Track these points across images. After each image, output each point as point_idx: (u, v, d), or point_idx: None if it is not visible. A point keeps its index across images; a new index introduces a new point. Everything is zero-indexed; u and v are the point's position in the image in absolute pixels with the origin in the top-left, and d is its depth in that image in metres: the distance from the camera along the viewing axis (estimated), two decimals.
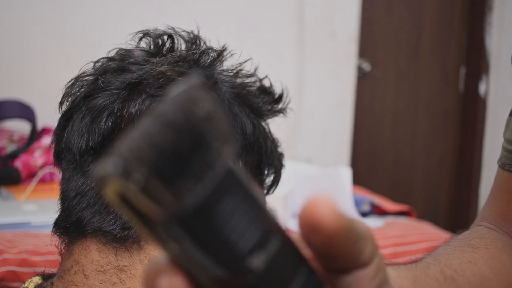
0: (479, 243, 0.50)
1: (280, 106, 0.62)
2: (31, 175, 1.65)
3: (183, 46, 0.59)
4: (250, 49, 0.66)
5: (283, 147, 0.65)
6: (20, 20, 2.04)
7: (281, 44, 2.51)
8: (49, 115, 0.68)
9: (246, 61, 0.62)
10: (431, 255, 0.43)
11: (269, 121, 0.63)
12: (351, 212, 1.61)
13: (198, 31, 0.60)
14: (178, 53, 0.58)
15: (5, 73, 2.03)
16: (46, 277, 0.59)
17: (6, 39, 2.03)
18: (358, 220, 0.27)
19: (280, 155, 0.63)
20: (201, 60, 0.58)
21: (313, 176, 1.70)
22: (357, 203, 1.73)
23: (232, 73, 0.60)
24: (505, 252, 0.51)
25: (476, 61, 3.00)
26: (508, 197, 0.57)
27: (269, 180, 0.62)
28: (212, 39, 0.61)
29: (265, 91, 0.61)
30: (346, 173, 1.65)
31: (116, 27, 1.93)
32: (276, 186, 0.63)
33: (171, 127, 0.21)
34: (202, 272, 0.23)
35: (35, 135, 1.76)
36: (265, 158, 0.60)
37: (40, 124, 1.83)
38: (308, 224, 0.24)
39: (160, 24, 0.61)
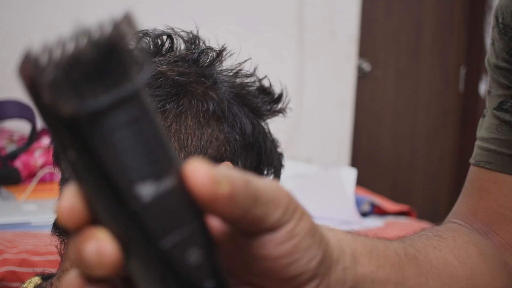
0: (447, 234, 0.50)
1: (279, 106, 0.62)
2: (31, 175, 1.65)
3: (182, 46, 0.59)
4: (250, 49, 0.66)
5: (283, 147, 0.65)
6: (20, 20, 2.04)
7: (281, 44, 2.51)
8: None
9: (245, 61, 0.62)
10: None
11: (268, 121, 0.62)
12: (352, 212, 1.61)
13: (198, 31, 0.60)
14: (177, 53, 0.58)
15: (5, 73, 2.03)
16: (45, 277, 0.59)
17: (6, 39, 2.03)
18: (264, 185, 0.27)
19: (280, 155, 0.63)
20: (200, 60, 0.58)
21: (312, 177, 1.69)
22: (358, 203, 1.73)
23: (231, 73, 0.60)
24: (472, 245, 0.51)
25: (476, 61, 3.00)
26: (479, 194, 0.58)
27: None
28: (211, 39, 0.60)
29: (265, 91, 0.61)
30: (349, 174, 1.65)
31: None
32: None
33: (92, 41, 0.23)
34: (93, 189, 0.23)
35: (35, 135, 1.76)
36: (264, 158, 0.60)
37: (40, 124, 1.83)
38: (190, 191, 0.25)
39: (159, 24, 0.61)
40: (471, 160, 0.61)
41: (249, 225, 0.27)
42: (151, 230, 0.24)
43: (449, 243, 0.48)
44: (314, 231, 0.30)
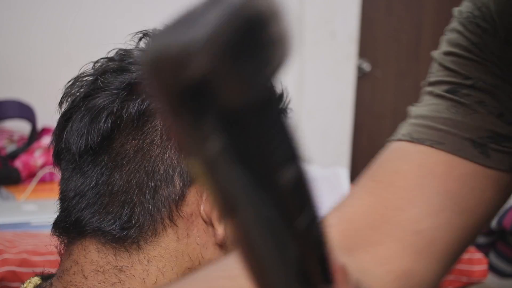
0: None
1: (284, 105, 0.63)
2: (31, 175, 1.66)
3: None
4: None
5: None
6: (20, 20, 2.04)
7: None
8: (49, 115, 0.68)
9: None
10: None
11: None
12: None
13: None
14: None
15: (5, 73, 2.03)
16: (45, 277, 0.59)
17: (6, 39, 2.03)
18: None
19: None
20: None
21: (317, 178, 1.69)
22: None
23: None
24: None
25: None
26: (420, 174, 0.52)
27: None
28: None
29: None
30: (343, 175, 1.65)
31: (116, 26, 1.93)
32: None
33: (242, 17, 0.20)
34: (232, 180, 0.22)
35: (35, 135, 1.76)
36: None
37: (40, 124, 1.83)
38: None
39: (159, 24, 0.61)
40: (399, 137, 0.54)
41: None
42: (298, 204, 0.24)
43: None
44: None
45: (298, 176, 0.24)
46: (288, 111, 0.64)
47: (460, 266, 1.57)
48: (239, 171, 0.22)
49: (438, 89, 0.55)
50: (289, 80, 2.45)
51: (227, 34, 0.19)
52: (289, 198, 0.24)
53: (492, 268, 1.88)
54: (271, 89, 0.22)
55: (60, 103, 0.57)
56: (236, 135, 0.21)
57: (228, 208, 0.23)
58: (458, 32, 0.55)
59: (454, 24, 0.54)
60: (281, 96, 0.24)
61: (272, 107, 0.22)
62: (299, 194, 0.24)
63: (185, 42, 0.18)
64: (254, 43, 0.20)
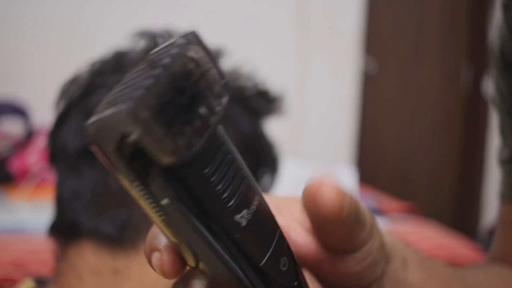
0: (491, 269, 0.48)
1: (278, 106, 0.62)
2: (27, 176, 1.65)
3: None
4: (251, 46, 0.66)
5: (287, 145, 0.65)
6: (19, 18, 2.04)
7: (283, 41, 2.51)
8: (46, 114, 0.67)
9: (245, 60, 0.61)
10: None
11: (273, 120, 0.62)
12: None
13: (196, 30, 0.60)
14: None
15: (2, 71, 2.02)
16: (40, 281, 0.58)
17: (4, 37, 2.03)
18: (361, 204, 0.28)
19: (277, 156, 0.63)
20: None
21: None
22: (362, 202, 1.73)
23: (229, 73, 0.59)
24: None
25: (479, 59, 3.01)
26: None
27: (266, 181, 0.62)
28: (211, 37, 0.60)
29: (263, 92, 0.61)
30: (348, 174, 1.65)
31: (113, 24, 1.93)
32: (273, 186, 0.63)
33: (172, 78, 0.21)
34: (189, 232, 0.23)
35: (30, 136, 1.76)
36: (261, 161, 0.60)
37: (37, 123, 1.82)
38: (311, 204, 0.25)
39: (158, 22, 0.60)
40: (502, 197, 0.53)
41: (342, 243, 0.28)
42: (252, 250, 0.25)
43: (495, 271, 0.47)
44: (383, 243, 0.30)
45: (254, 218, 0.25)
46: (291, 109, 0.63)
47: (464, 264, 1.57)
48: (192, 223, 0.23)
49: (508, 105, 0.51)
50: (292, 78, 2.45)
51: (154, 100, 0.21)
52: (247, 241, 0.25)
53: None
54: (211, 138, 0.23)
55: (57, 103, 0.57)
56: (181, 189, 0.23)
57: (191, 255, 0.24)
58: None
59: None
60: (223, 140, 0.23)
61: (215, 154, 0.23)
62: (258, 235, 0.25)
63: (115, 114, 0.20)
64: (184, 102, 0.22)
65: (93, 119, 0.21)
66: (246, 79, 0.60)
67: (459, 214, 3.12)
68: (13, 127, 1.81)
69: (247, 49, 0.58)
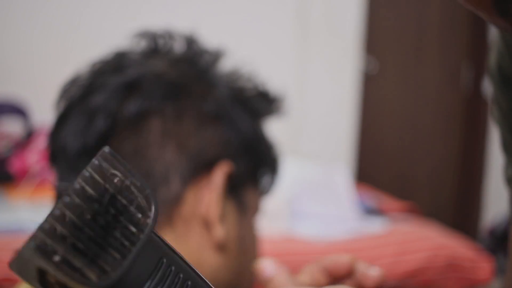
0: None
1: (278, 107, 0.62)
2: (27, 176, 1.64)
3: (181, 47, 0.59)
4: (252, 46, 0.66)
5: (287, 144, 0.65)
6: (18, 17, 2.03)
7: (283, 41, 2.51)
8: (46, 114, 0.67)
9: (245, 61, 0.61)
10: None
11: (273, 120, 0.62)
12: (348, 211, 1.61)
13: (197, 31, 0.60)
14: (176, 54, 0.57)
15: (5, 72, 2.02)
16: None
17: (4, 37, 2.02)
18: None
19: (277, 156, 0.63)
20: (199, 61, 0.58)
21: (315, 182, 1.69)
22: (362, 201, 1.73)
23: (230, 74, 0.59)
24: None
25: (479, 59, 3.00)
26: None
27: (266, 181, 0.62)
28: (211, 38, 0.60)
29: (264, 93, 0.61)
30: (344, 174, 1.65)
31: (114, 24, 1.92)
32: (273, 187, 0.63)
33: (89, 202, 0.21)
34: None
35: (30, 135, 1.75)
36: (261, 160, 0.60)
37: (37, 123, 1.82)
38: None
39: (158, 22, 0.60)
40: None
41: None
42: None
43: None
44: None
45: None
46: (292, 109, 0.63)
47: (464, 264, 1.56)
48: None
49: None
50: (292, 78, 2.45)
51: (63, 231, 0.21)
52: None
53: (501, 271, 1.86)
54: (140, 255, 0.22)
55: (57, 103, 0.57)
56: None
57: None
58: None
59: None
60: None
61: (153, 268, 0.23)
62: None
63: (25, 250, 0.21)
64: (100, 225, 0.21)
65: (13, 256, 0.22)
66: (246, 80, 0.60)
67: (459, 214, 3.12)
68: (13, 127, 1.81)
69: (247, 49, 0.58)
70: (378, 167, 3.00)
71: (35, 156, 1.68)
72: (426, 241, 1.59)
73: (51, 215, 0.21)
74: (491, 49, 0.48)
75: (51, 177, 0.60)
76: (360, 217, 1.64)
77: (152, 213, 0.23)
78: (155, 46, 0.58)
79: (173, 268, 0.24)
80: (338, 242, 1.53)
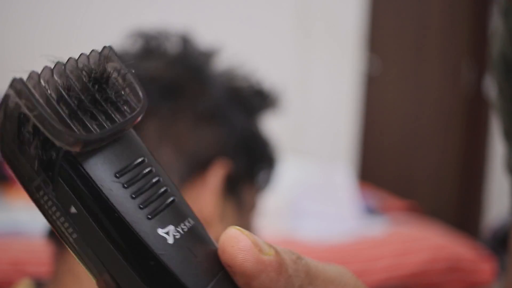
0: None
1: (273, 102, 0.62)
2: None
3: (176, 47, 0.58)
4: (252, 45, 0.66)
5: (289, 145, 0.64)
6: (16, 15, 2.04)
7: (284, 40, 2.51)
8: None
9: (241, 59, 0.61)
10: None
11: (274, 118, 0.62)
12: (347, 211, 1.61)
13: (196, 31, 0.60)
14: (170, 55, 0.57)
15: (3, 71, 2.02)
16: (39, 283, 0.58)
17: (3, 36, 2.03)
18: (320, 265, 0.26)
19: (274, 153, 0.63)
20: (195, 61, 0.57)
21: (315, 183, 1.68)
22: (363, 202, 1.73)
23: (225, 73, 0.59)
24: None
25: (480, 57, 3.00)
26: None
27: (263, 177, 0.62)
28: (211, 37, 0.60)
29: (260, 91, 0.61)
30: (345, 173, 1.64)
31: (114, 25, 1.92)
32: (269, 184, 0.62)
33: (87, 73, 0.22)
34: (108, 240, 0.21)
35: None
36: (257, 159, 0.60)
37: None
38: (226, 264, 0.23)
39: (158, 22, 0.60)
40: None
41: None
42: (174, 272, 0.22)
43: None
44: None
45: (186, 239, 0.23)
46: (293, 108, 0.63)
47: (466, 266, 1.55)
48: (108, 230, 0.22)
49: None
50: (294, 77, 2.45)
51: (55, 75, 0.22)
52: (175, 263, 0.22)
53: (503, 271, 1.86)
54: (117, 137, 0.22)
55: None
56: (90, 190, 0.21)
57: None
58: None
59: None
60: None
61: (128, 160, 0.22)
62: (191, 261, 0.23)
63: (9, 89, 0.21)
64: (90, 95, 0.22)
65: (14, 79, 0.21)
66: (241, 78, 0.60)
67: (461, 213, 3.12)
68: None
69: (247, 49, 0.57)
70: (380, 166, 3.00)
71: None
72: (427, 241, 1.58)
73: (50, 66, 0.22)
74: (492, 39, 0.48)
75: None
76: (360, 217, 1.64)
77: (139, 107, 0.23)
78: (150, 47, 0.58)
79: (152, 169, 0.23)
80: (338, 243, 1.52)
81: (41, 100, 0.20)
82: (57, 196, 0.21)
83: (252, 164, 0.59)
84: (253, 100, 0.60)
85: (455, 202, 3.15)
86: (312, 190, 1.60)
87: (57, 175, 0.21)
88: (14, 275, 1.06)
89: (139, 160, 0.23)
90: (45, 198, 0.21)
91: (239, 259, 0.23)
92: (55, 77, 0.22)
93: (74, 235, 0.21)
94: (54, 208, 0.21)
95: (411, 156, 3.08)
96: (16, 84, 0.21)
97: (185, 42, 0.59)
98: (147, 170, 0.23)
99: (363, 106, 2.84)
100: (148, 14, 1.94)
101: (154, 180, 0.23)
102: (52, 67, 0.22)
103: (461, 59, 3.10)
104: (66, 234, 0.21)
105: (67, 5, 2.10)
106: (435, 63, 3.07)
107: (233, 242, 0.23)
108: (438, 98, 3.10)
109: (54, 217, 0.21)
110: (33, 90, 0.21)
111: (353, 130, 2.72)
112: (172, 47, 0.58)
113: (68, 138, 0.20)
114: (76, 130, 0.21)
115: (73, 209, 0.21)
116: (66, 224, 0.21)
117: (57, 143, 0.20)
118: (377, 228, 1.61)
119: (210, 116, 0.55)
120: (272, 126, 0.63)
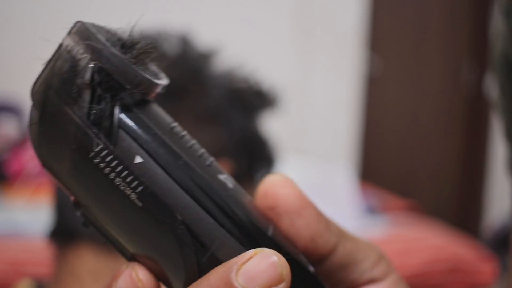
0: None
1: (271, 101, 0.62)
2: (22, 175, 1.64)
3: (175, 48, 0.58)
4: (252, 45, 0.66)
5: (290, 145, 0.65)
6: (14, 15, 2.04)
7: (285, 40, 2.51)
8: None
9: (241, 59, 0.61)
10: None
11: (274, 119, 0.62)
12: (347, 211, 1.61)
13: (196, 31, 0.59)
14: (170, 56, 0.57)
15: (1, 70, 2.02)
16: (40, 284, 0.58)
17: (3, 36, 2.03)
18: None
19: (272, 151, 0.63)
20: (195, 62, 0.57)
21: (316, 183, 1.68)
22: (364, 202, 1.73)
23: (224, 73, 0.59)
24: None
25: (481, 56, 3.00)
26: None
27: (261, 176, 0.62)
28: (211, 37, 0.60)
29: (257, 88, 0.61)
30: (346, 172, 1.64)
31: (113, 25, 1.92)
32: None
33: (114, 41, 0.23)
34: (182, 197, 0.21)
35: (26, 135, 1.75)
36: (257, 159, 0.60)
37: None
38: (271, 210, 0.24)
39: (157, 21, 0.60)
40: None
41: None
42: (237, 213, 0.22)
43: None
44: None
45: (238, 187, 0.23)
46: (293, 107, 0.63)
47: (467, 266, 1.55)
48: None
49: None
50: (295, 77, 2.45)
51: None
52: (238, 202, 0.23)
53: (505, 272, 1.86)
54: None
55: None
56: (153, 137, 0.22)
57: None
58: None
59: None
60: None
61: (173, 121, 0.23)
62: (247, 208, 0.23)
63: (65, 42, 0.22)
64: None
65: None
66: (241, 78, 0.60)
67: (462, 212, 3.12)
68: (8, 127, 1.81)
69: (247, 49, 0.57)
70: (381, 166, 3.00)
71: (30, 157, 1.67)
72: (427, 242, 1.58)
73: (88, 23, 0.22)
74: (493, 39, 0.48)
75: (47, 179, 0.60)
76: (361, 217, 1.64)
77: (162, 81, 0.23)
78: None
79: (186, 134, 0.23)
80: None
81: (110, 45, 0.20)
82: (120, 149, 0.20)
83: (252, 164, 0.59)
84: (253, 100, 0.60)
85: (456, 202, 3.15)
86: (313, 189, 1.59)
87: (116, 127, 0.20)
88: (14, 276, 1.06)
89: (176, 123, 0.23)
90: (104, 153, 0.20)
91: (282, 196, 0.23)
92: (101, 31, 0.21)
93: (140, 188, 0.21)
94: (115, 162, 0.20)
95: (412, 156, 3.08)
96: (82, 29, 0.21)
97: (185, 43, 0.59)
98: (184, 132, 0.23)
99: (363, 105, 2.84)
100: (148, 14, 1.94)
101: (193, 141, 0.23)
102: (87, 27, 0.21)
103: (462, 59, 3.11)
104: (128, 191, 0.21)
105: (67, 5, 2.10)
106: (435, 63, 3.07)
107: (273, 184, 0.24)
108: (438, 98, 3.10)
109: (112, 175, 0.20)
110: (99, 36, 0.20)
111: (353, 129, 2.72)
112: (172, 48, 0.58)
113: (147, 82, 0.20)
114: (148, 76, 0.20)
115: (138, 159, 0.20)
116: (130, 178, 0.20)
117: (132, 88, 0.20)
118: (378, 228, 1.61)
119: (210, 117, 0.55)
120: (273, 126, 0.63)
